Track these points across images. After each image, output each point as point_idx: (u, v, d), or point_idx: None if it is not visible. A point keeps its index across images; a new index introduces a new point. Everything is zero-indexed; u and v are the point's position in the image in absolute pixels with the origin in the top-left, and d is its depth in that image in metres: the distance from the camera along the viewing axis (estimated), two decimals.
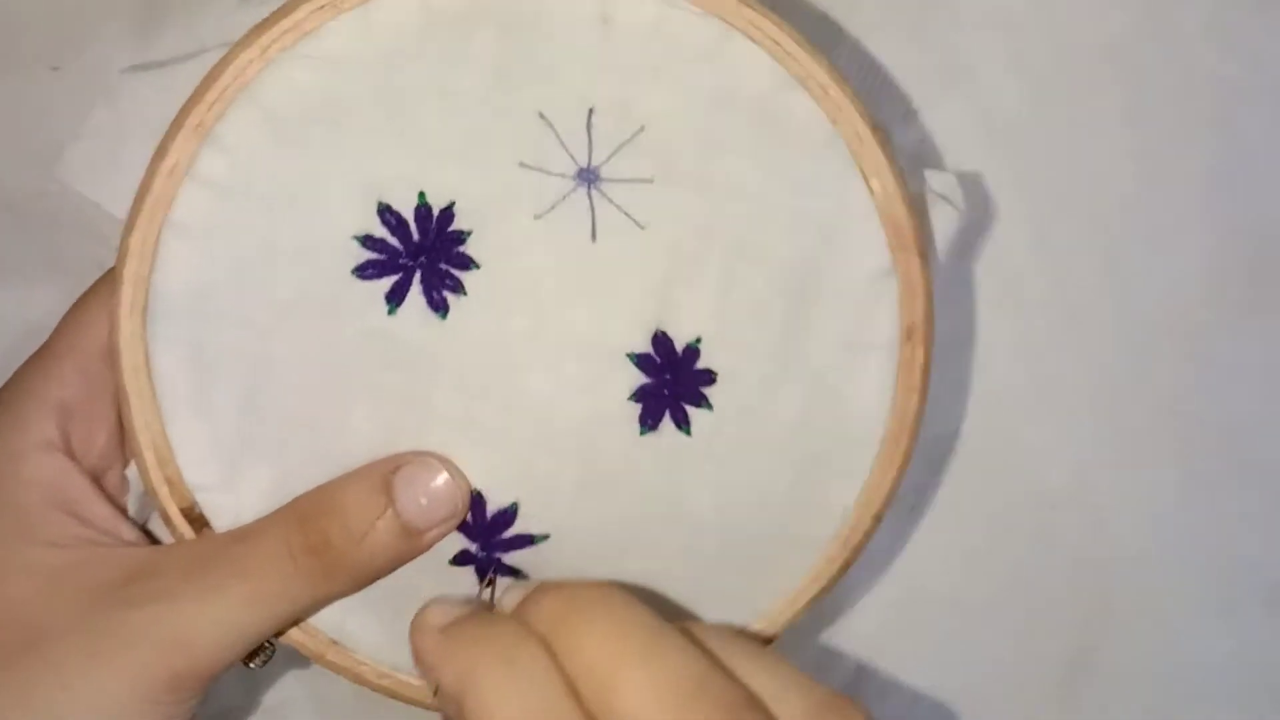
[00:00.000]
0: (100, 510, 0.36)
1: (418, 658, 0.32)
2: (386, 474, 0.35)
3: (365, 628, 0.37)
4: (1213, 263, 0.46)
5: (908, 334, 0.36)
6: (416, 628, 0.32)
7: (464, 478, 0.35)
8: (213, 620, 0.34)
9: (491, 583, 0.36)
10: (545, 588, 0.31)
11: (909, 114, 0.46)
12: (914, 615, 0.47)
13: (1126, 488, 0.47)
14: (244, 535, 0.35)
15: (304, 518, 0.35)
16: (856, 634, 0.46)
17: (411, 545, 0.35)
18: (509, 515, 0.36)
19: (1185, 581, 0.47)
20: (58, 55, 0.44)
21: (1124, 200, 0.46)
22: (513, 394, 0.35)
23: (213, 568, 0.34)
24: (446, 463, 0.35)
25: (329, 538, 0.34)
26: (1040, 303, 0.46)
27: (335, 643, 0.37)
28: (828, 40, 0.45)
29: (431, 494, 0.35)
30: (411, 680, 0.37)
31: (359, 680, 0.37)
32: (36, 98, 0.44)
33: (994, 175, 0.46)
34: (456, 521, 0.35)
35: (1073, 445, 0.47)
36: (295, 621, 0.36)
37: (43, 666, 0.34)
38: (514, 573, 0.36)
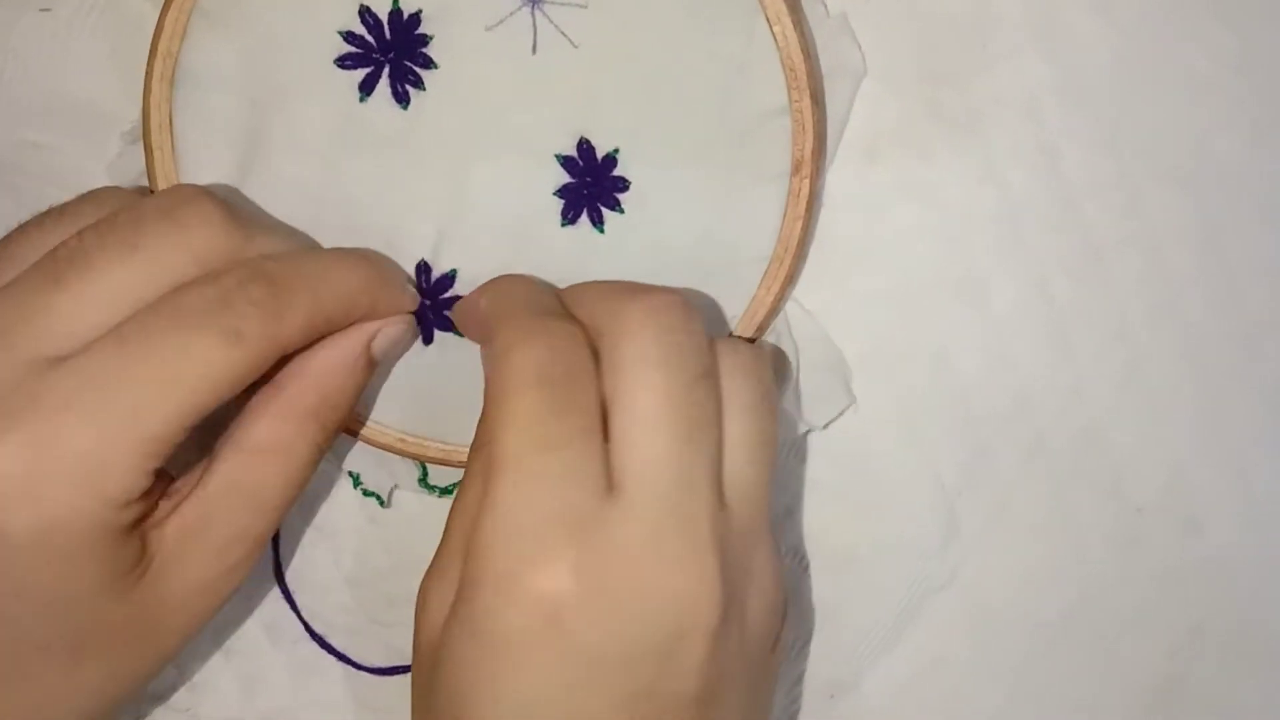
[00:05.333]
0: None
1: (476, 318, 0.38)
2: (368, 341, 0.39)
3: None
4: None
5: (796, 167, 0.41)
6: (485, 291, 0.38)
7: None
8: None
9: None
10: (592, 288, 0.38)
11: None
12: (977, 635, 0.44)
13: (1224, 490, 0.43)
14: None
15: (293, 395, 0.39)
16: (916, 651, 0.44)
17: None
18: (449, 279, 0.43)
19: None
20: None
21: (1224, 167, 0.42)
22: (459, 179, 0.42)
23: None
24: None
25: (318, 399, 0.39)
26: (1129, 282, 0.42)
27: None
28: None
29: (400, 339, 0.41)
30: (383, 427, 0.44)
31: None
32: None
33: (1080, 135, 0.42)
34: None
35: (1165, 442, 0.43)
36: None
37: None
38: (453, 327, 0.43)
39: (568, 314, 0.37)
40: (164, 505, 0.37)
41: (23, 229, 0.38)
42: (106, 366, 0.35)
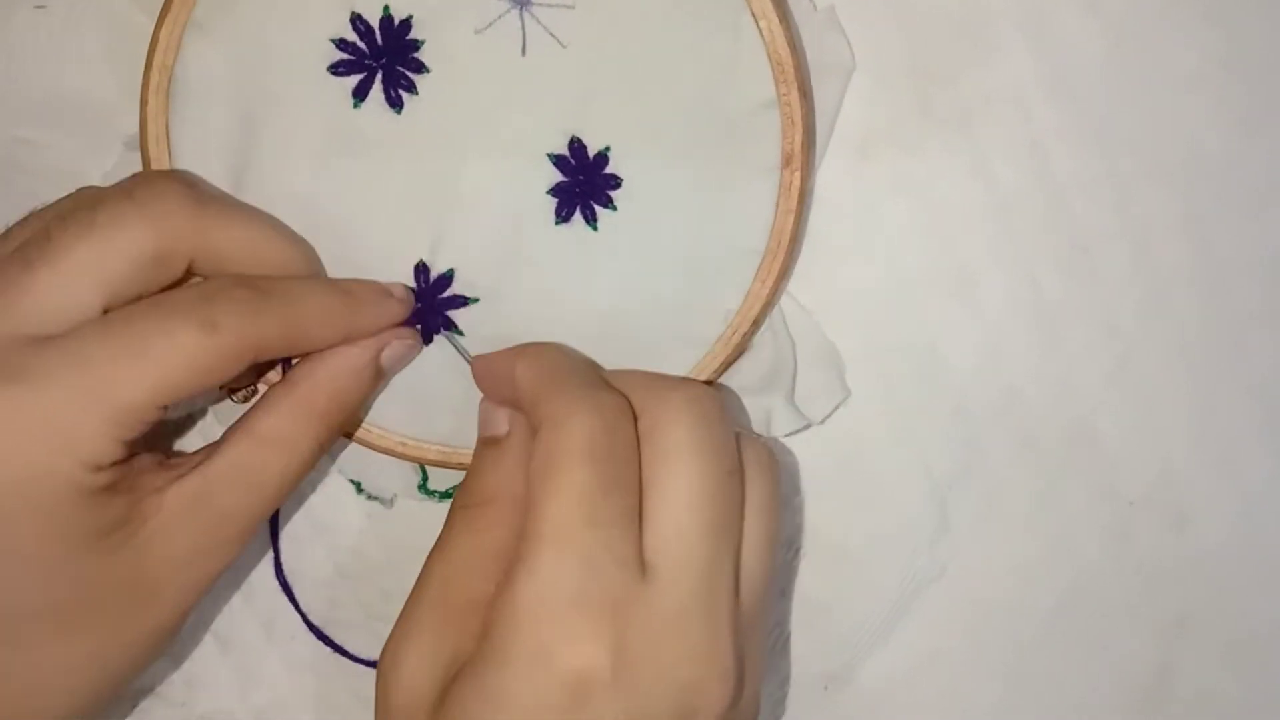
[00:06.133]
0: None
1: (510, 381, 0.39)
2: (378, 350, 0.41)
3: None
4: None
5: (786, 160, 0.41)
6: (523, 356, 0.39)
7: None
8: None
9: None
10: (632, 373, 0.39)
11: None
12: (969, 627, 0.44)
13: (1213, 483, 0.43)
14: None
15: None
16: (909, 643, 0.44)
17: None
18: (446, 279, 0.43)
19: (1278, 592, 0.44)
20: None
21: (1213, 162, 0.42)
22: (453, 180, 0.42)
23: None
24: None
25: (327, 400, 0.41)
26: (1119, 277, 0.43)
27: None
28: None
29: (405, 355, 0.42)
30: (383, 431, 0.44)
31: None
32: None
33: (1070, 131, 0.42)
34: None
35: (1154, 435, 0.43)
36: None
37: None
38: (453, 326, 0.44)
39: (614, 388, 0.38)
40: (161, 475, 0.39)
41: (8, 229, 0.39)
42: (86, 344, 0.36)
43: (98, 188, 0.40)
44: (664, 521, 0.35)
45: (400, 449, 0.44)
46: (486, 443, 0.40)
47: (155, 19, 0.42)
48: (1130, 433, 0.43)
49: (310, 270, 0.41)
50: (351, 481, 0.45)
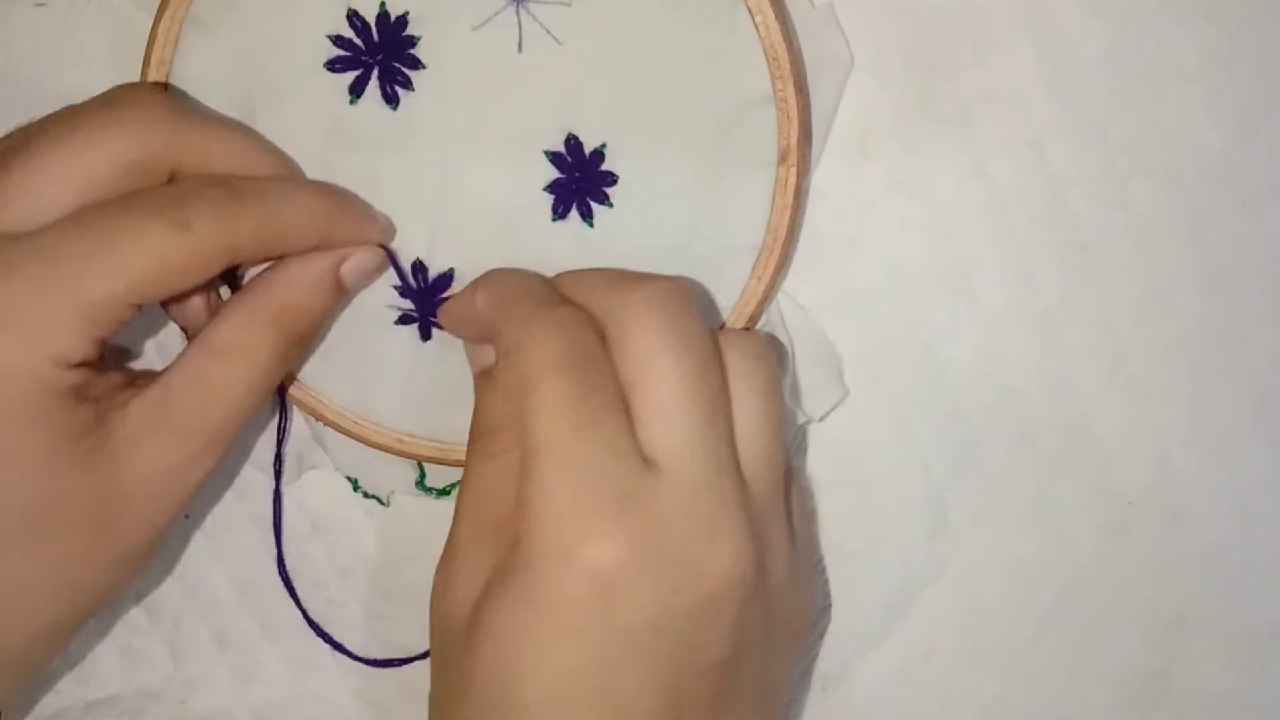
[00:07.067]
0: None
1: (474, 318, 0.39)
2: (338, 262, 0.41)
3: (333, 387, 0.44)
4: None
5: (783, 156, 0.41)
6: (479, 288, 0.39)
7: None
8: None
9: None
10: (589, 276, 0.39)
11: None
12: (967, 627, 0.44)
13: (1211, 482, 0.43)
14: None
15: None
16: (902, 647, 0.44)
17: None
18: (447, 279, 0.43)
19: (1276, 592, 0.43)
20: None
21: (1212, 161, 0.42)
22: (449, 177, 0.42)
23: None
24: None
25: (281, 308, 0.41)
26: (1117, 276, 0.42)
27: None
28: None
29: (369, 269, 0.42)
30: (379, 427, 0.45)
31: (335, 427, 0.44)
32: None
33: (1069, 130, 0.42)
34: None
35: (1152, 435, 0.43)
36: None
37: None
38: None
39: (570, 301, 0.38)
40: (127, 391, 0.39)
41: None
42: (58, 241, 0.37)
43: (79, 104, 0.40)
44: (652, 421, 0.35)
45: (397, 445, 0.44)
46: (479, 376, 0.40)
47: (153, 15, 0.42)
48: (1128, 432, 0.43)
49: (313, 214, 0.41)
50: (348, 479, 0.45)
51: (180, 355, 0.40)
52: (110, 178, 0.38)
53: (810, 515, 0.43)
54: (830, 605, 0.44)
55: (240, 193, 0.39)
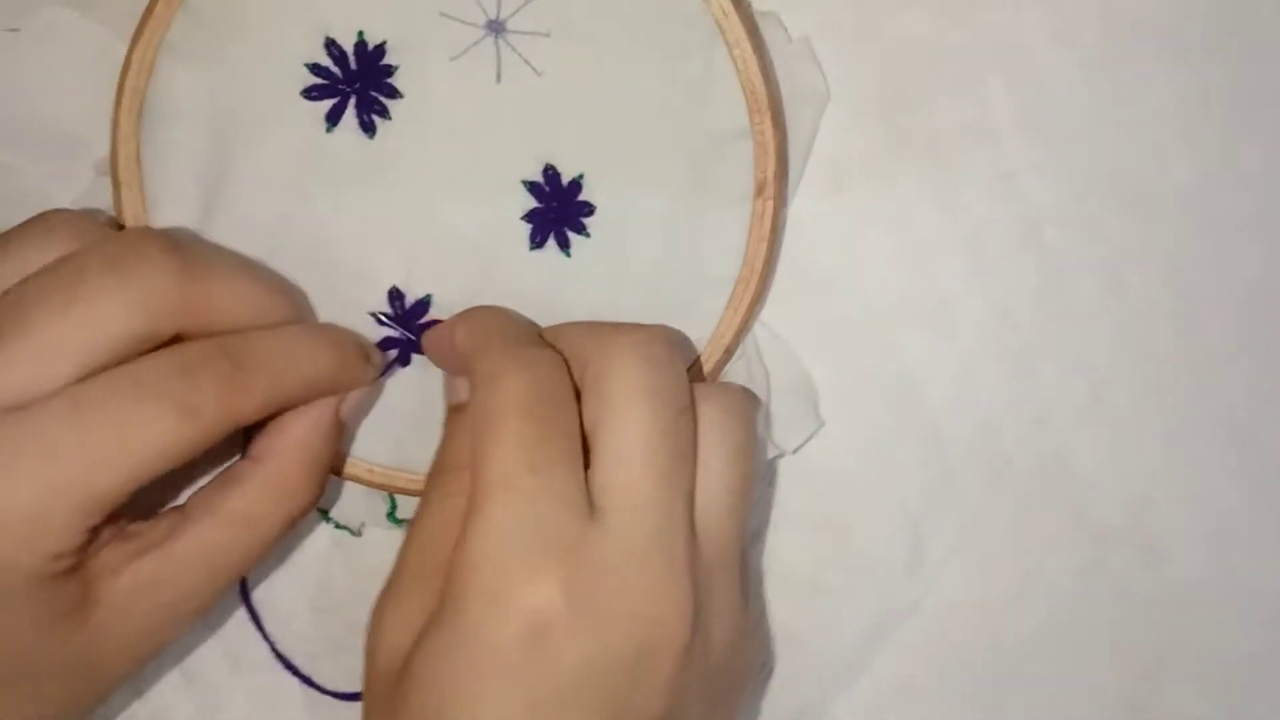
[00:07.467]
0: None
1: (451, 348, 0.39)
2: (336, 409, 0.40)
3: None
4: None
5: (759, 189, 0.41)
6: (460, 322, 0.39)
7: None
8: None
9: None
10: (573, 325, 0.39)
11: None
12: (943, 661, 0.44)
13: (1187, 516, 0.43)
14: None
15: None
16: (878, 681, 0.44)
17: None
18: (424, 305, 0.43)
19: (1253, 627, 0.43)
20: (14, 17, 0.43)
21: (1185, 195, 0.42)
22: (427, 206, 0.42)
23: None
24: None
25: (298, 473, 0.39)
26: (1092, 307, 0.42)
27: None
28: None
29: (365, 406, 0.42)
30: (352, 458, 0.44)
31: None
32: None
33: (1044, 164, 0.42)
34: None
35: (1129, 468, 0.43)
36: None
37: None
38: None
39: (548, 344, 0.38)
40: (118, 550, 0.37)
41: None
42: (58, 425, 0.34)
43: (73, 219, 0.38)
44: (610, 463, 0.35)
45: (368, 476, 0.43)
46: (451, 411, 0.40)
47: (129, 42, 0.42)
48: (1104, 465, 0.43)
49: (318, 376, 0.39)
50: (319, 510, 0.45)
51: (185, 520, 0.38)
52: (113, 350, 0.35)
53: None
54: (772, 664, 0.44)
55: (245, 364, 0.36)
